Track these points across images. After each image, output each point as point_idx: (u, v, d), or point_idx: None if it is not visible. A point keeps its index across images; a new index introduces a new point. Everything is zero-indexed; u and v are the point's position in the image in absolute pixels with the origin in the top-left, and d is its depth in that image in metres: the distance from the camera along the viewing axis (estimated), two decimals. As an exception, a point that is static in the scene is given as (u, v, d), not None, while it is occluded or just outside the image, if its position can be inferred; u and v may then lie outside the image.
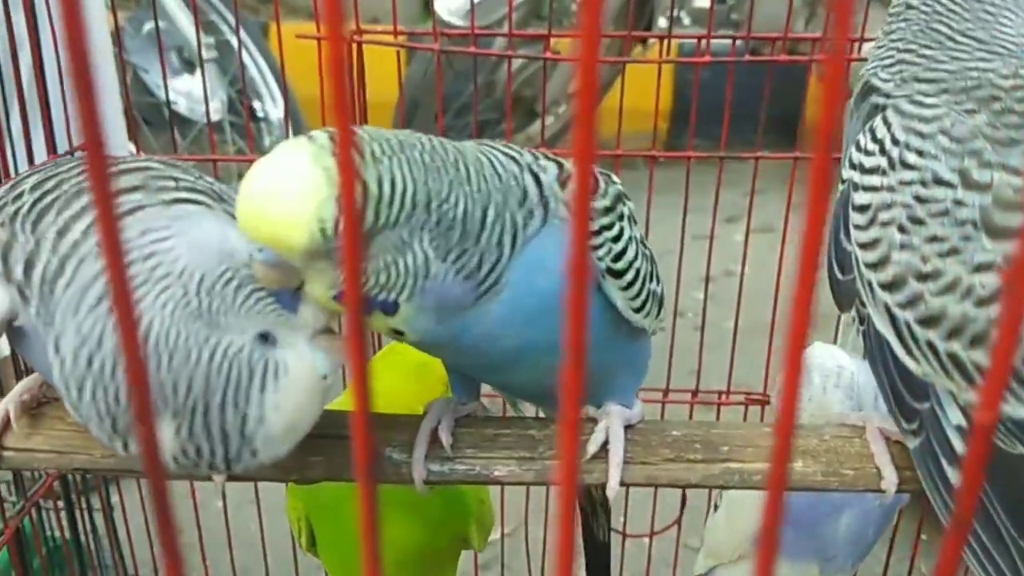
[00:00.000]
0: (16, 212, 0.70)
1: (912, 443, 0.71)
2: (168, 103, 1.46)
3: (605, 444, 0.75)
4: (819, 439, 0.78)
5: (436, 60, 1.26)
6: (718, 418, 1.43)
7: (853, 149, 0.75)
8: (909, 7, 0.79)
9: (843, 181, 0.76)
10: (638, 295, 0.73)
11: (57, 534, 1.40)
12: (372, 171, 0.60)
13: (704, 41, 1.26)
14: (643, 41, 2.90)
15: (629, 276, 0.71)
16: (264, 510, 1.44)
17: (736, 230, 2.22)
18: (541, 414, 0.93)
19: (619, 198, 0.73)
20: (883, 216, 0.71)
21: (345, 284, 0.26)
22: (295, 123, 2.46)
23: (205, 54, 1.37)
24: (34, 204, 0.70)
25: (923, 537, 1.34)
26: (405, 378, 1.03)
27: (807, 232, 0.24)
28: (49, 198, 0.70)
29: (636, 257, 0.72)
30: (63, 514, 1.38)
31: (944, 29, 0.76)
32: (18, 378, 1.17)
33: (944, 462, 0.69)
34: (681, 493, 1.45)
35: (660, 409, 1.43)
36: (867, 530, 1.09)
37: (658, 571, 1.55)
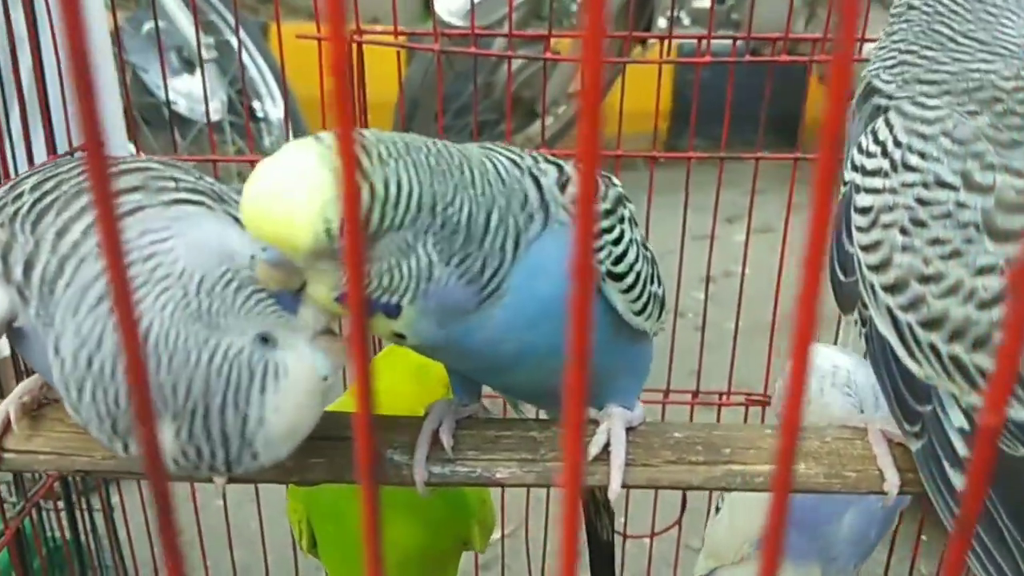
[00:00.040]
0: (16, 213, 0.70)
1: (914, 445, 0.71)
2: (168, 103, 1.46)
3: (606, 446, 0.75)
4: (821, 441, 0.78)
5: (436, 61, 1.26)
6: (719, 419, 1.43)
7: (855, 151, 0.75)
8: (911, 8, 0.79)
9: (845, 183, 0.75)
10: (639, 298, 0.73)
11: (57, 534, 1.40)
12: (379, 173, 0.60)
13: (704, 41, 1.26)
14: (643, 41, 2.90)
15: (630, 279, 0.71)
16: (264, 509, 1.44)
17: (736, 230, 2.22)
18: (543, 415, 0.93)
19: (619, 201, 0.73)
20: (885, 218, 0.70)
21: (348, 285, 0.26)
22: (295, 123, 2.46)
23: (205, 54, 1.36)
24: (34, 205, 0.70)
25: (923, 538, 1.34)
26: (406, 379, 1.02)
27: (811, 236, 0.24)
28: (49, 199, 0.70)
29: (637, 260, 0.72)
30: (63, 514, 1.38)
31: (946, 30, 0.76)
32: (18, 379, 1.17)
33: (946, 464, 0.69)
34: (682, 494, 1.44)
35: (660, 410, 1.43)
36: (869, 531, 1.09)
37: (659, 572, 1.55)
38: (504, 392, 0.93)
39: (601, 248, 0.69)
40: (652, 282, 0.75)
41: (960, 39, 0.76)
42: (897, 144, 0.71)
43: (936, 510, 0.71)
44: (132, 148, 1.79)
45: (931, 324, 0.68)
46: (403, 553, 1.02)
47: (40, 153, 1.17)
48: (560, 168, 0.70)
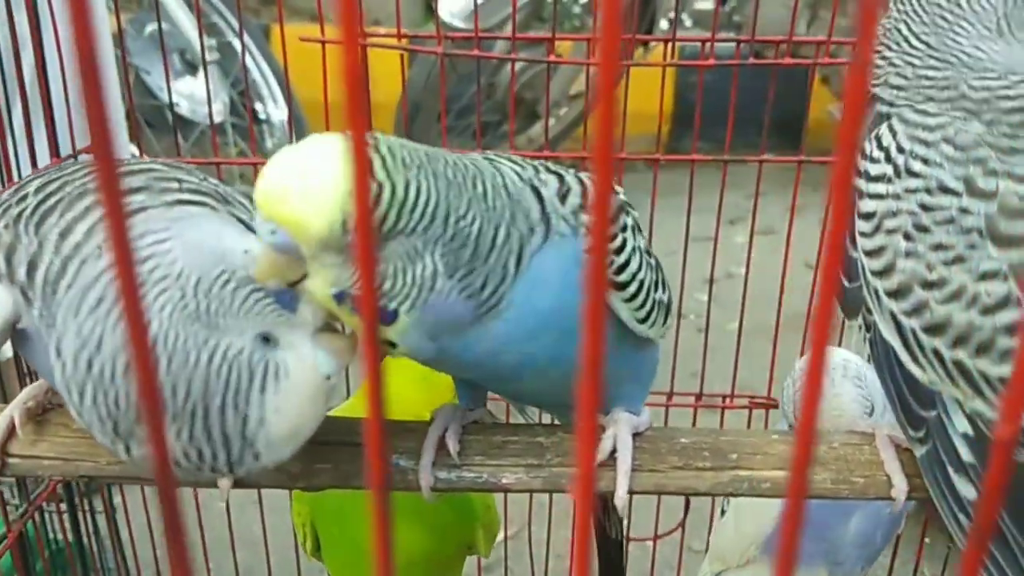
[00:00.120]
0: (20, 214, 0.70)
1: (919, 451, 0.71)
2: (171, 105, 1.45)
3: (613, 452, 0.75)
4: (828, 446, 0.78)
5: (440, 63, 1.26)
6: (722, 421, 1.43)
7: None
8: (894, 4, 0.78)
9: None
10: (643, 306, 0.72)
11: (60, 537, 1.40)
12: (400, 175, 0.60)
13: (708, 44, 1.26)
14: (644, 44, 2.90)
15: (633, 288, 0.71)
16: (267, 512, 1.44)
17: (737, 232, 2.23)
18: (547, 417, 0.93)
19: (622, 209, 0.73)
20: (889, 224, 0.70)
21: (360, 287, 0.26)
22: (298, 126, 2.46)
23: (207, 56, 1.36)
24: (38, 206, 0.70)
25: (927, 540, 1.34)
26: (412, 384, 1.02)
27: (828, 250, 0.24)
28: (52, 200, 0.70)
29: (640, 268, 0.72)
30: (66, 517, 1.38)
31: (904, 30, 0.76)
32: (21, 381, 1.17)
33: (951, 470, 0.69)
34: (685, 497, 1.44)
35: (664, 412, 1.43)
36: (876, 535, 1.09)
37: (662, 575, 1.54)
38: (507, 397, 0.93)
39: None
40: (656, 289, 0.75)
41: (913, 40, 0.75)
42: (900, 150, 0.71)
43: (940, 514, 0.71)
44: (135, 150, 1.79)
45: (934, 329, 0.68)
46: (408, 558, 1.02)
47: (43, 153, 1.17)
48: (561, 178, 0.69)
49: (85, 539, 1.42)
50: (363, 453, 0.27)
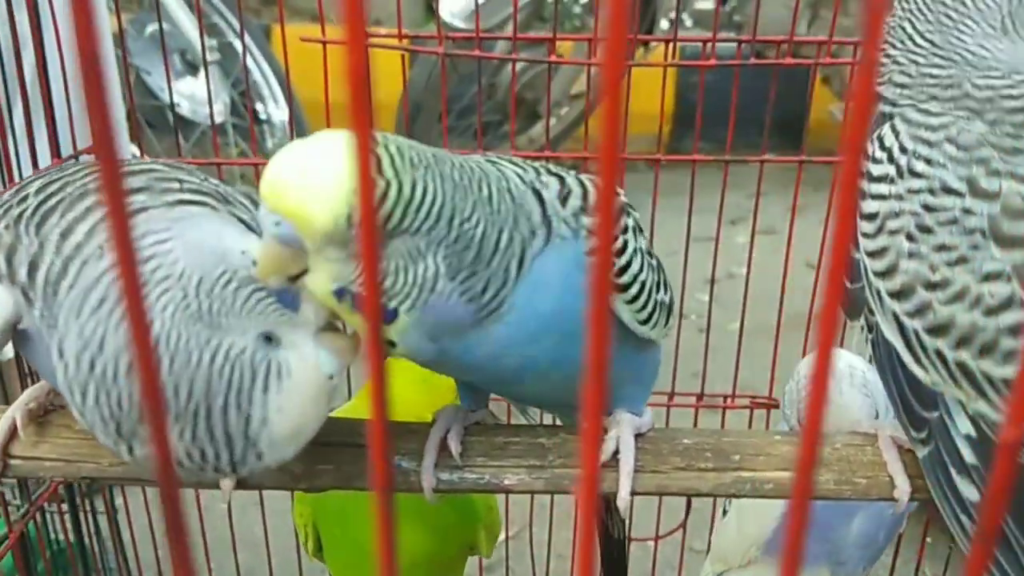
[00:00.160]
0: (21, 215, 0.70)
1: (921, 452, 0.71)
2: (172, 105, 1.45)
3: (615, 453, 0.75)
4: (831, 447, 0.77)
5: (441, 63, 1.26)
6: (723, 421, 1.43)
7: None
8: (898, 2, 0.78)
9: None
10: (644, 307, 0.72)
11: (61, 537, 1.40)
12: (407, 174, 0.60)
13: (709, 44, 1.26)
14: (645, 44, 2.90)
15: (634, 289, 0.71)
16: (269, 513, 1.43)
17: (738, 232, 2.23)
18: (548, 418, 0.93)
19: (623, 210, 0.72)
20: (891, 224, 0.70)
21: (362, 283, 0.26)
22: (299, 126, 2.46)
23: (208, 57, 1.36)
24: (39, 206, 0.70)
25: (928, 540, 1.34)
26: (413, 386, 1.02)
27: (834, 254, 0.24)
28: (53, 200, 0.70)
29: (642, 270, 0.72)
30: (67, 517, 1.38)
31: (909, 28, 0.76)
32: (22, 382, 1.17)
33: (953, 471, 0.69)
34: (687, 497, 1.44)
35: (665, 413, 1.43)
36: (878, 535, 1.09)
37: (663, 575, 1.54)
38: (510, 399, 0.93)
39: None
40: (658, 290, 0.75)
41: (917, 38, 0.75)
42: (903, 150, 0.71)
43: (942, 515, 0.71)
44: (136, 151, 1.79)
45: (937, 330, 0.68)
46: (410, 559, 1.02)
47: (44, 153, 1.17)
48: (562, 180, 0.69)
49: (87, 540, 1.42)
50: (366, 454, 0.27)
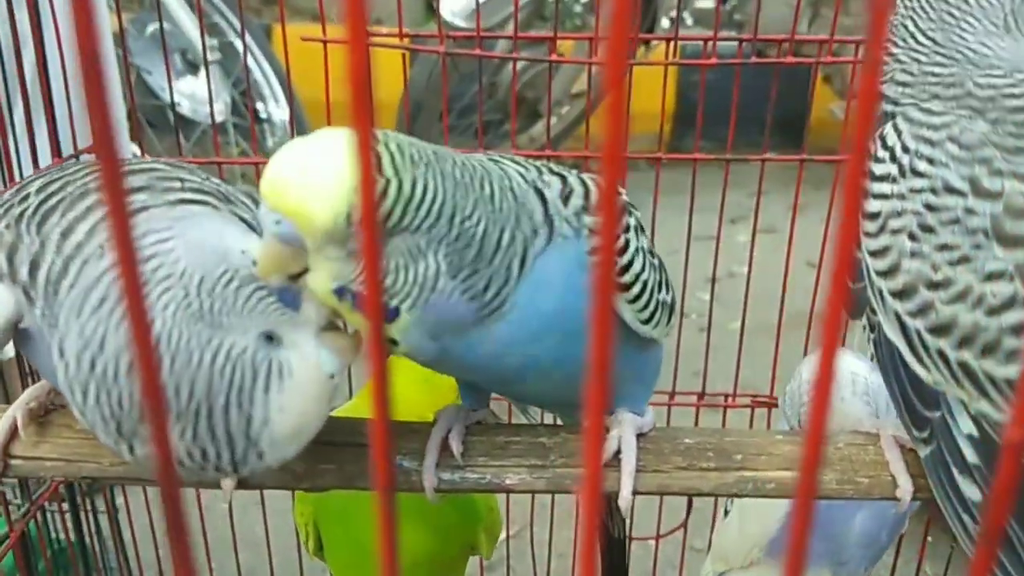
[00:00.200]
0: (22, 214, 0.70)
1: (923, 451, 0.71)
2: (172, 105, 1.46)
3: (617, 452, 0.74)
4: (834, 447, 0.77)
5: (441, 62, 1.26)
6: (724, 420, 1.43)
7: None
8: (901, 1, 0.78)
9: None
10: (646, 307, 0.72)
11: (62, 536, 1.40)
12: (408, 172, 0.60)
13: (710, 43, 1.26)
14: (646, 43, 2.90)
15: (636, 289, 0.71)
16: (270, 513, 1.43)
17: (739, 231, 2.23)
18: (549, 417, 0.93)
19: (624, 209, 0.72)
20: (893, 224, 0.70)
21: (363, 282, 0.26)
22: (299, 125, 2.46)
23: (209, 56, 1.37)
24: (39, 205, 0.70)
25: (929, 539, 1.34)
26: (415, 385, 1.02)
27: (838, 255, 0.23)
28: (54, 200, 0.70)
29: (643, 269, 0.72)
30: (68, 516, 1.38)
31: (911, 26, 0.76)
32: (23, 381, 1.17)
33: (955, 471, 0.69)
34: (688, 496, 1.44)
35: (666, 412, 1.42)
36: (880, 534, 1.08)
37: (664, 574, 1.54)
38: (511, 398, 0.93)
39: None
40: (660, 290, 0.74)
41: (919, 36, 0.75)
42: (905, 149, 0.71)
43: (943, 515, 0.71)
44: (137, 150, 1.79)
45: (939, 330, 0.68)
46: (412, 559, 1.02)
47: (44, 152, 1.17)
48: (563, 179, 0.69)
49: (87, 539, 1.42)
50: (367, 454, 0.27)
